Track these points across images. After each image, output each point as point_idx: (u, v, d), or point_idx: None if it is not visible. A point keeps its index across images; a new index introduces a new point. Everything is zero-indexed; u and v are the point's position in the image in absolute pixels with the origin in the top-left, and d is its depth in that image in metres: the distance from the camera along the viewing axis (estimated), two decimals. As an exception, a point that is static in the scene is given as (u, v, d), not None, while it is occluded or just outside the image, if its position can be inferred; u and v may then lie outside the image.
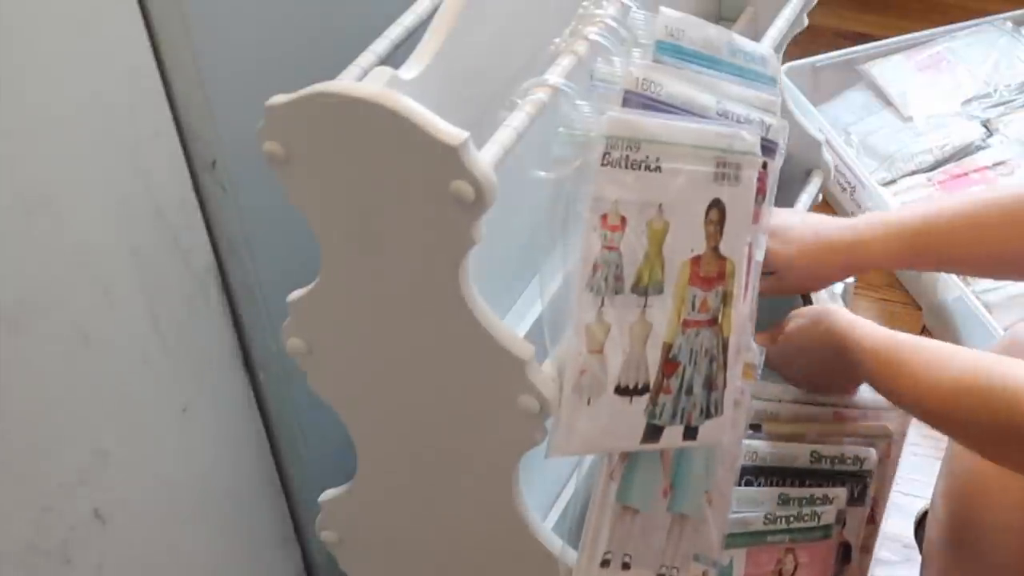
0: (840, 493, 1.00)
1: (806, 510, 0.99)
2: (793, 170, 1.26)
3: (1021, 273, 1.03)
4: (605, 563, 0.91)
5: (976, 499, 1.00)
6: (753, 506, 0.98)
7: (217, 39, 0.90)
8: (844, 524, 1.03)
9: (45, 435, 0.88)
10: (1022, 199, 0.96)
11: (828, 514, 0.99)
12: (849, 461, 1.01)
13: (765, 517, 0.98)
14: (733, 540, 0.97)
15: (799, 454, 1.01)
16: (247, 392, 1.06)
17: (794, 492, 1.00)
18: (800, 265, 1.01)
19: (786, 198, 1.23)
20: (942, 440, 1.46)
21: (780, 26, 1.09)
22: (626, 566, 0.92)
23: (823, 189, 1.32)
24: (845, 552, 1.04)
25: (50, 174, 0.83)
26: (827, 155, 1.32)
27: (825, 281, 1.08)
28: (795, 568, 1.00)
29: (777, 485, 1.00)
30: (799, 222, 1.03)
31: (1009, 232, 0.96)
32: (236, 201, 0.96)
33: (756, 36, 1.15)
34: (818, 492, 1.00)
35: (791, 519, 0.99)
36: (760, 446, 1.00)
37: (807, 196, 1.30)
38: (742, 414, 0.93)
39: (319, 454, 1.14)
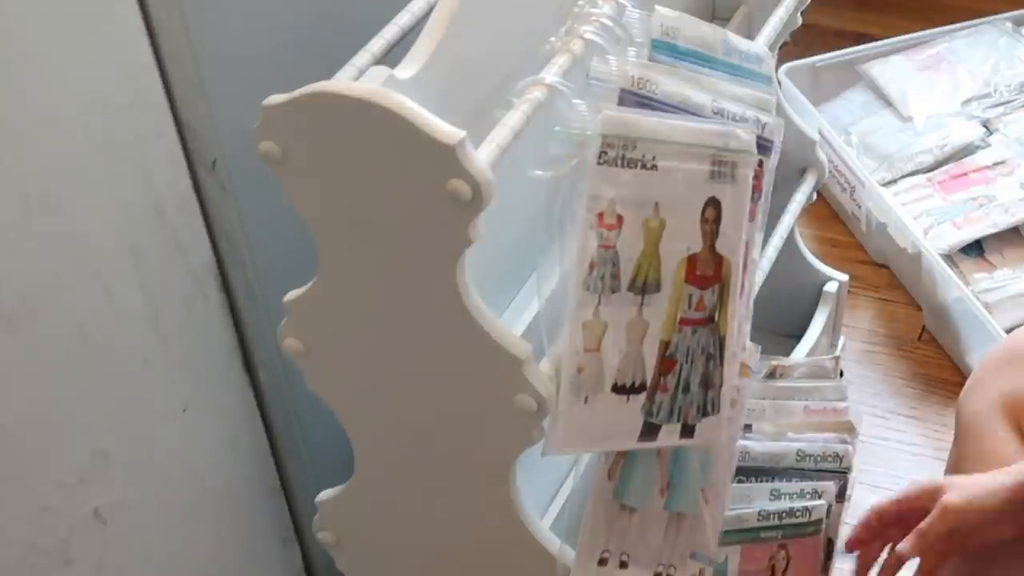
0: (830, 487, 1.00)
1: (797, 505, 0.99)
2: (788, 169, 1.26)
3: None
4: (603, 562, 0.91)
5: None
6: (746, 503, 0.98)
7: (217, 39, 0.91)
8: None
9: (45, 435, 0.89)
10: None
11: (819, 509, 1.00)
12: (830, 459, 1.02)
13: (759, 514, 0.98)
14: (728, 537, 0.97)
15: (786, 453, 1.01)
16: (247, 392, 1.06)
17: (784, 487, 1.00)
18: None
19: (781, 197, 1.24)
20: (941, 440, 1.47)
21: (774, 24, 1.10)
22: (623, 565, 0.92)
23: (818, 188, 1.32)
24: (828, 548, 1.04)
25: (50, 173, 0.83)
26: (821, 154, 1.32)
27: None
28: (787, 564, 1.00)
29: (767, 482, 1.00)
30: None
31: None
32: (236, 201, 0.96)
33: (750, 35, 1.15)
34: (807, 486, 1.00)
35: (783, 515, 0.99)
36: (752, 446, 1.01)
37: (801, 195, 1.30)
38: (739, 413, 0.93)
39: (319, 454, 1.14)
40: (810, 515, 1.00)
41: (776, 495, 1.00)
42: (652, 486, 0.91)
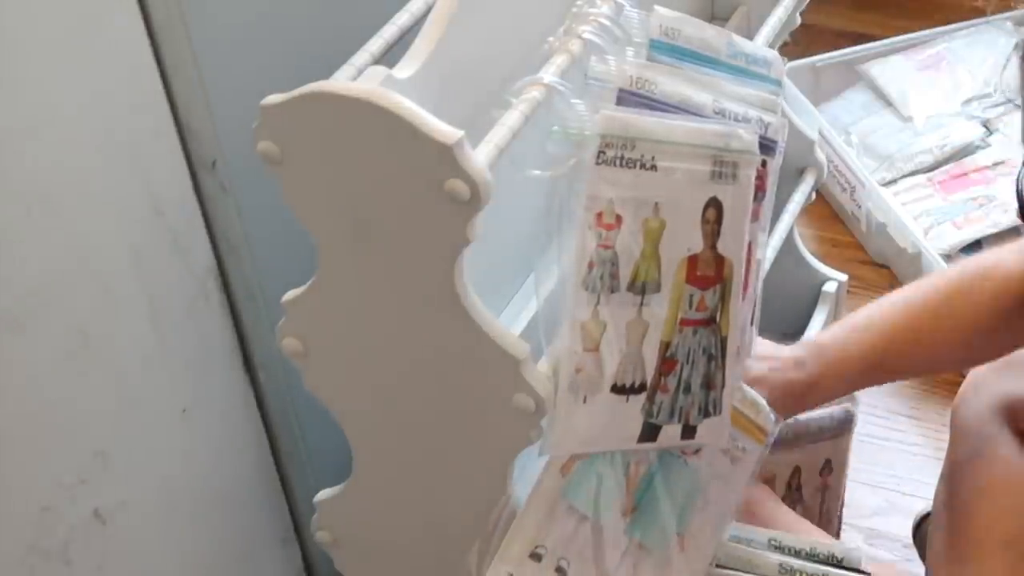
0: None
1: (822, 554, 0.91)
2: (786, 169, 1.26)
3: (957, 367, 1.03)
4: (536, 556, 0.86)
5: (978, 509, 0.99)
6: (749, 568, 0.91)
7: (217, 39, 0.91)
8: None
9: (45, 435, 0.89)
10: (951, 292, 0.99)
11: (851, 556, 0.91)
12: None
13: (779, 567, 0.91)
14: None
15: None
16: (247, 392, 1.06)
17: (797, 564, 0.91)
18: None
19: (780, 197, 1.24)
20: (941, 440, 1.47)
21: (773, 24, 1.10)
22: (561, 571, 0.86)
23: (816, 187, 1.32)
24: None
25: (50, 174, 0.84)
26: (820, 154, 1.32)
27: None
28: None
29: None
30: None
31: (945, 336, 0.99)
32: (236, 201, 0.97)
33: (749, 35, 1.15)
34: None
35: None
36: None
37: (800, 195, 1.30)
38: (741, 472, 0.90)
39: (319, 454, 1.14)
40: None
41: (787, 570, 0.91)
42: (612, 500, 0.87)
